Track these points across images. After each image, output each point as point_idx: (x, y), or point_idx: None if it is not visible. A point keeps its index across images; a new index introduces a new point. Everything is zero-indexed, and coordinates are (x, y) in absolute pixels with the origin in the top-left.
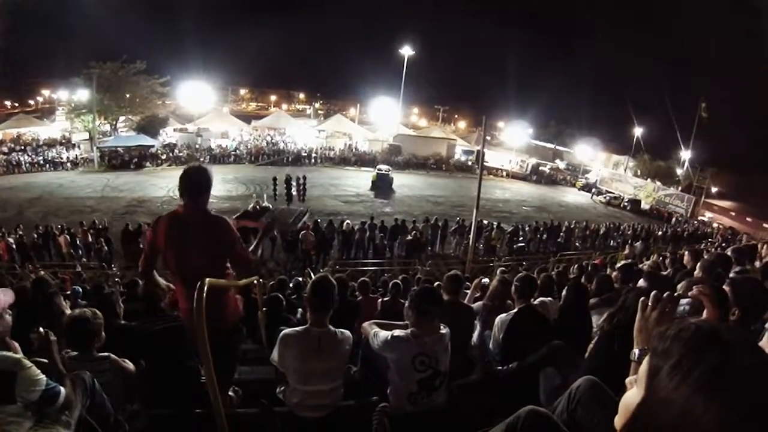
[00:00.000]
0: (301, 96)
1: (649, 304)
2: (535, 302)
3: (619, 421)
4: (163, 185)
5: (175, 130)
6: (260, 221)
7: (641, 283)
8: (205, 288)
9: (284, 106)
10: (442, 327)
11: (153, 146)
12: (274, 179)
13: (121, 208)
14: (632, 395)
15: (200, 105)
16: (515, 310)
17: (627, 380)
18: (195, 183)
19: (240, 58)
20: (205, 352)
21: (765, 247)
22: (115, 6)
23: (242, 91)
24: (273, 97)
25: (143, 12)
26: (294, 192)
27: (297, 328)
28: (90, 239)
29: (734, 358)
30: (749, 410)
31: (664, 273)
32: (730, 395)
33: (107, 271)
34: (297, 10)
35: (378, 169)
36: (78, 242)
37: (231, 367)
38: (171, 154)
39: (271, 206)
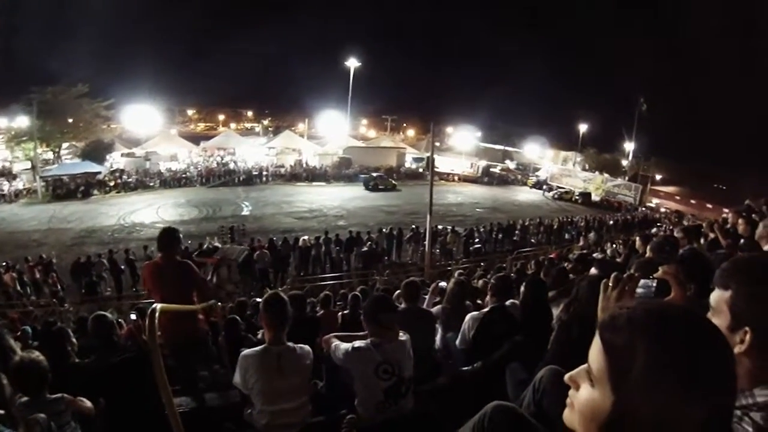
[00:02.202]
0: (250, 114)
1: (610, 284)
2: (507, 303)
3: (583, 427)
4: (113, 213)
5: (122, 155)
6: (213, 257)
7: (593, 270)
8: (157, 313)
9: (233, 125)
10: (401, 334)
11: (100, 173)
12: (231, 228)
13: (69, 240)
14: (592, 396)
15: (147, 128)
16: (487, 309)
17: (566, 376)
18: (166, 242)
19: (186, 78)
20: (160, 374)
21: (709, 226)
22: (53, 29)
23: (190, 112)
24: (221, 117)
25: (83, 34)
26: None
27: (255, 348)
28: (38, 275)
29: (705, 343)
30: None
31: (618, 259)
32: (713, 385)
33: (59, 308)
34: (240, 28)
35: None
36: (25, 279)
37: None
38: (119, 180)
39: (220, 245)
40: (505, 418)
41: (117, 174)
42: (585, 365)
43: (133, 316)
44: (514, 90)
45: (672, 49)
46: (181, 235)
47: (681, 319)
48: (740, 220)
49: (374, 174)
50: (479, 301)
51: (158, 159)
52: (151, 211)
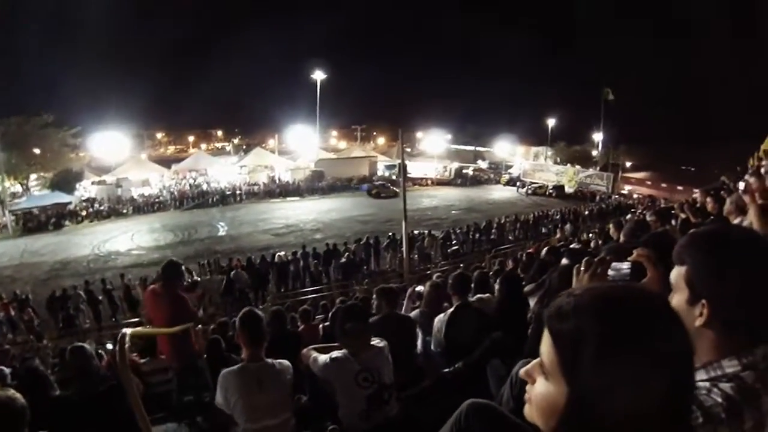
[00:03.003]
0: (219, 133)
1: (581, 268)
2: (473, 299)
3: (542, 422)
4: (86, 243)
5: (92, 183)
6: (196, 292)
7: (564, 261)
8: (127, 338)
9: (203, 146)
10: (377, 341)
11: (70, 203)
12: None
13: (43, 273)
14: (547, 390)
15: (116, 154)
16: (451, 309)
17: (522, 371)
18: (167, 274)
19: (153, 101)
20: (135, 400)
21: (680, 206)
22: (14, 57)
23: (159, 135)
24: (191, 138)
25: (46, 63)
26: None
27: (234, 367)
28: (13, 312)
29: (654, 321)
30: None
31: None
32: (665, 363)
33: (37, 344)
34: (204, 48)
35: None
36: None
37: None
38: (91, 209)
39: (199, 279)
40: (481, 415)
41: (88, 203)
42: (538, 359)
43: (109, 346)
44: (481, 90)
45: (633, 36)
46: (181, 267)
47: (628, 300)
48: (708, 199)
49: (376, 182)
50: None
51: (130, 185)
52: (126, 239)
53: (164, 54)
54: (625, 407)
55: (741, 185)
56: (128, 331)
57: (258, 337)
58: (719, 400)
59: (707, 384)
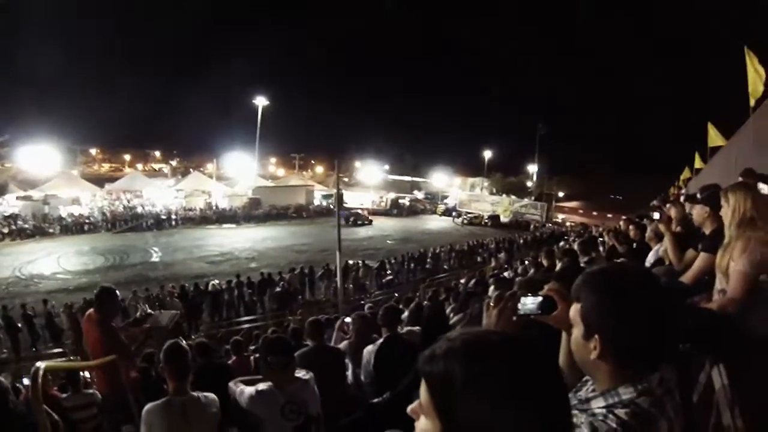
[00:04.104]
0: (157, 154)
1: (491, 303)
2: (403, 331)
3: None
4: (7, 264)
5: (17, 198)
6: (143, 327)
7: (491, 289)
8: (41, 371)
9: (139, 166)
10: (302, 373)
11: None
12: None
13: None
14: (426, 427)
15: (45, 168)
16: (381, 340)
17: (409, 408)
18: (98, 302)
19: (88, 115)
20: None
21: (606, 234)
22: None
23: (93, 152)
24: (127, 157)
25: None
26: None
27: (158, 401)
28: None
29: (511, 360)
30: (548, 405)
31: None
32: (527, 394)
33: None
34: (145, 65)
35: None
36: None
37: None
38: (14, 227)
39: (152, 312)
40: None
41: (12, 219)
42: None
43: (26, 381)
44: (419, 122)
45: (567, 68)
46: (115, 295)
47: (499, 346)
48: (631, 227)
49: (353, 211)
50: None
51: (58, 203)
52: (51, 261)
53: (103, 69)
54: None
55: (656, 215)
56: (42, 365)
57: (183, 370)
58: (613, 425)
59: (603, 410)
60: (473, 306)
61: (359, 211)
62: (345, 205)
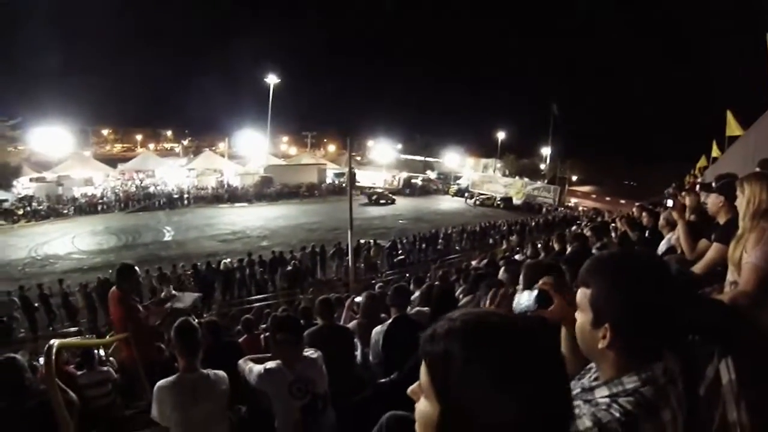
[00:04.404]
0: (169, 134)
1: (487, 302)
2: (412, 311)
3: None
4: (23, 245)
5: (31, 179)
6: (164, 307)
7: (501, 271)
8: (54, 349)
9: (151, 146)
10: (311, 351)
11: (6, 200)
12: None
13: None
14: (425, 408)
15: (58, 150)
16: (390, 321)
17: (409, 390)
18: (117, 279)
19: (101, 96)
20: (60, 411)
21: (618, 220)
22: None
23: (105, 132)
24: (139, 137)
25: None
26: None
27: (169, 378)
28: None
29: (510, 342)
30: (546, 386)
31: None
32: (526, 375)
33: None
34: (157, 46)
35: None
36: None
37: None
38: (29, 208)
39: (176, 293)
40: (400, 427)
41: (26, 201)
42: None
43: (42, 359)
44: (433, 102)
45: (582, 52)
46: (134, 271)
47: (497, 324)
48: (644, 213)
49: (377, 190)
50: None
51: (72, 184)
52: (65, 241)
53: (115, 49)
54: (492, 425)
55: (669, 202)
56: (55, 342)
57: (193, 347)
58: (617, 415)
59: (607, 400)
60: (483, 288)
61: (383, 191)
62: (357, 183)
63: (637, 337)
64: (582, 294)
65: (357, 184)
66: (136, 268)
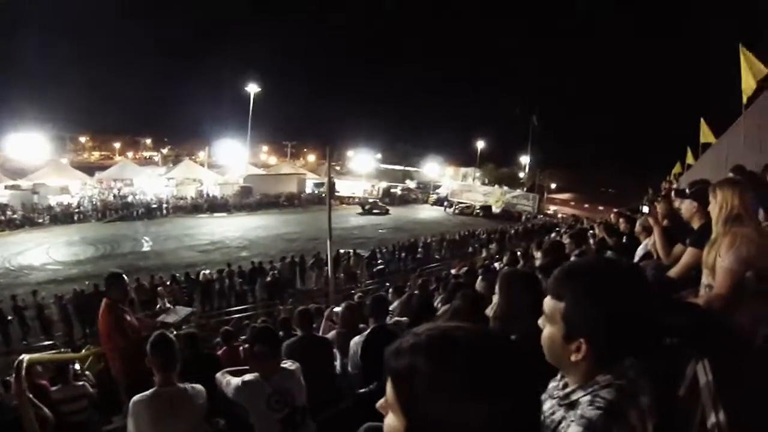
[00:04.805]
0: (148, 142)
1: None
2: (391, 321)
3: None
4: None
5: (6, 187)
6: (155, 320)
7: (479, 280)
8: (24, 364)
9: (130, 154)
10: (289, 363)
11: None
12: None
13: None
14: (392, 423)
15: (34, 157)
16: (368, 331)
17: (377, 404)
18: (107, 288)
19: (78, 102)
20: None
21: (596, 227)
22: None
23: (82, 139)
24: (117, 145)
25: None
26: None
27: (145, 393)
28: None
29: (475, 356)
30: (514, 398)
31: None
32: (491, 389)
33: None
34: (137, 52)
35: None
36: None
37: None
38: (3, 217)
39: (170, 306)
40: None
41: (0, 210)
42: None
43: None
44: (412, 111)
45: (561, 61)
46: (122, 279)
47: (462, 338)
48: (621, 220)
49: (370, 200)
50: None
51: (47, 192)
52: (41, 252)
53: (94, 55)
54: None
55: (645, 209)
56: (26, 357)
57: (170, 361)
58: (603, 405)
59: (588, 397)
60: (458, 297)
61: (376, 201)
62: (337, 193)
63: (613, 349)
64: (553, 306)
65: (336, 194)
66: (125, 276)
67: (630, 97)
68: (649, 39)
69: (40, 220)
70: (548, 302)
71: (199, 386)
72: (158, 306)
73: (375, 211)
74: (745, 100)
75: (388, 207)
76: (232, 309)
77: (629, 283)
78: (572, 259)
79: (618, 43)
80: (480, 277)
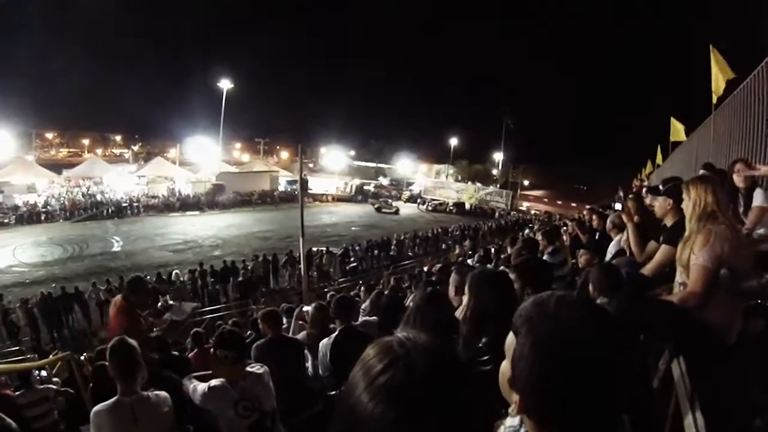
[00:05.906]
0: (118, 139)
1: None
2: (359, 322)
3: None
4: None
5: None
6: (162, 319)
7: (453, 275)
8: None
9: (99, 151)
10: (256, 367)
11: None
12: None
13: None
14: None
15: None
16: (335, 333)
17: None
18: (127, 288)
19: (45, 97)
20: None
21: (569, 223)
22: None
23: (50, 136)
24: (86, 142)
25: None
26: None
27: (106, 402)
28: None
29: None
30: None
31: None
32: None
33: None
34: (106, 46)
35: None
36: None
37: None
38: None
39: (174, 303)
40: None
41: None
42: None
43: None
44: (385, 108)
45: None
46: (144, 285)
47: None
48: (593, 216)
49: (380, 199)
50: None
51: (13, 191)
52: (6, 253)
53: (62, 48)
54: None
55: (618, 206)
56: None
57: (131, 368)
58: None
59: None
60: (420, 287)
61: (386, 199)
62: (309, 191)
63: (553, 423)
64: (510, 341)
65: (309, 191)
66: (147, 280)
67: (605, 94)
68: (622, 38)
69: (6, 221)
70: (509, 338)
71: (163, 393)
72: (159, 304)
73: (384, 210)
74: (715, 99)
75: (398, 207)
76: (204, 309)
77: (603, 346)
78: (546, 257)
79: (591, 42)
80: (454, 270)
